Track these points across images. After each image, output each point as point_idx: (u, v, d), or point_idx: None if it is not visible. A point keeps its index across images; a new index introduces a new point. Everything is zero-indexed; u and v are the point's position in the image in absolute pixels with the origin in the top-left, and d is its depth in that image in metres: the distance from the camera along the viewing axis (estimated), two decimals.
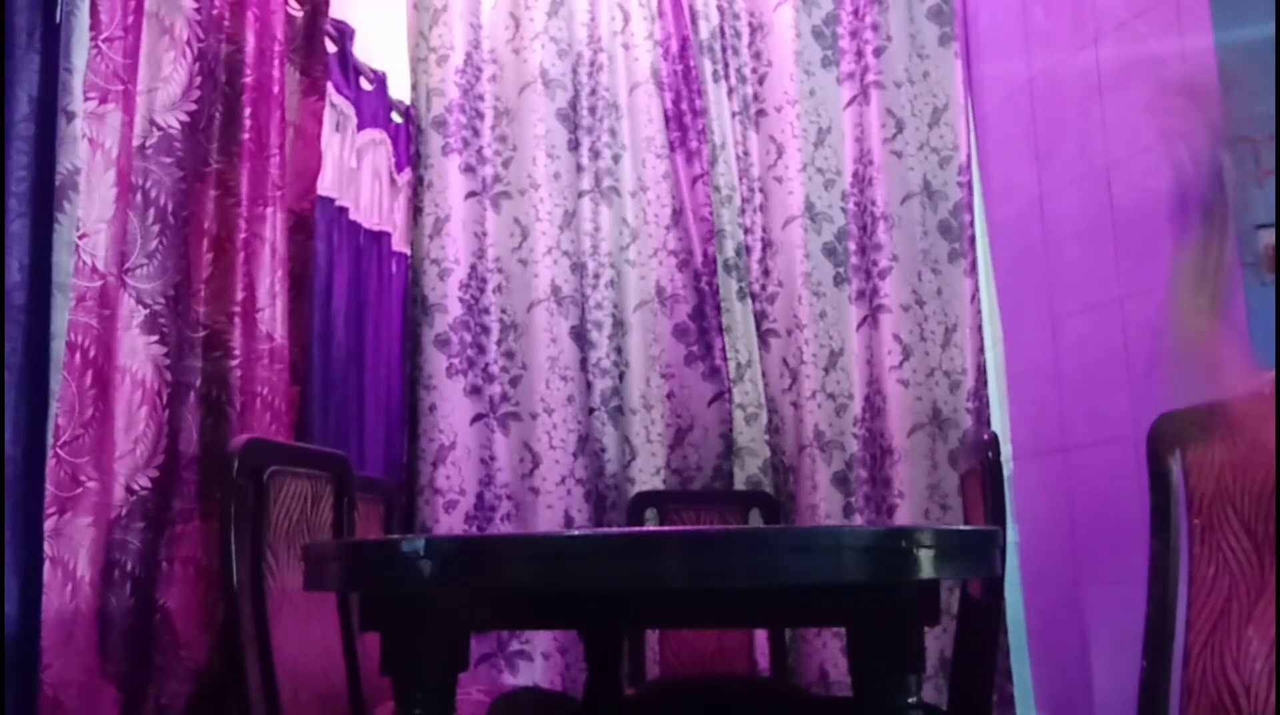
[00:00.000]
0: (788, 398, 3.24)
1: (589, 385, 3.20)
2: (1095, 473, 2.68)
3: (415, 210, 3.30)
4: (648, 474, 3.15)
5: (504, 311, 3.27)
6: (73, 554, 1.77)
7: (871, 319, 3.25)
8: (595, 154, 3.33)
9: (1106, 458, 2.61)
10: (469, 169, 3.33)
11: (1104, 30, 2.73)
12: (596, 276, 3.26)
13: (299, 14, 2.65)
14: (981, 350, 3.20)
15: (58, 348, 1.77)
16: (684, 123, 3.35)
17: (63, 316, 1.78)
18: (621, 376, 3.22)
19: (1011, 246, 3.14)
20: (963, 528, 1.86)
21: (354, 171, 2.93)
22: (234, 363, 2.19)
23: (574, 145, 3.36)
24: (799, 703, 2.75)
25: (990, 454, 1.94)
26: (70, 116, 1.81)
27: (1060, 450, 2.84)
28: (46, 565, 1.73)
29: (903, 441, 3.14)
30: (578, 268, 3.28)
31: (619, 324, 3.25)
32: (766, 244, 3.35)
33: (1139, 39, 2.62)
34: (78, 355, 1.81)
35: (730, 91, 3.38)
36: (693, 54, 3.38)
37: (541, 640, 3.06)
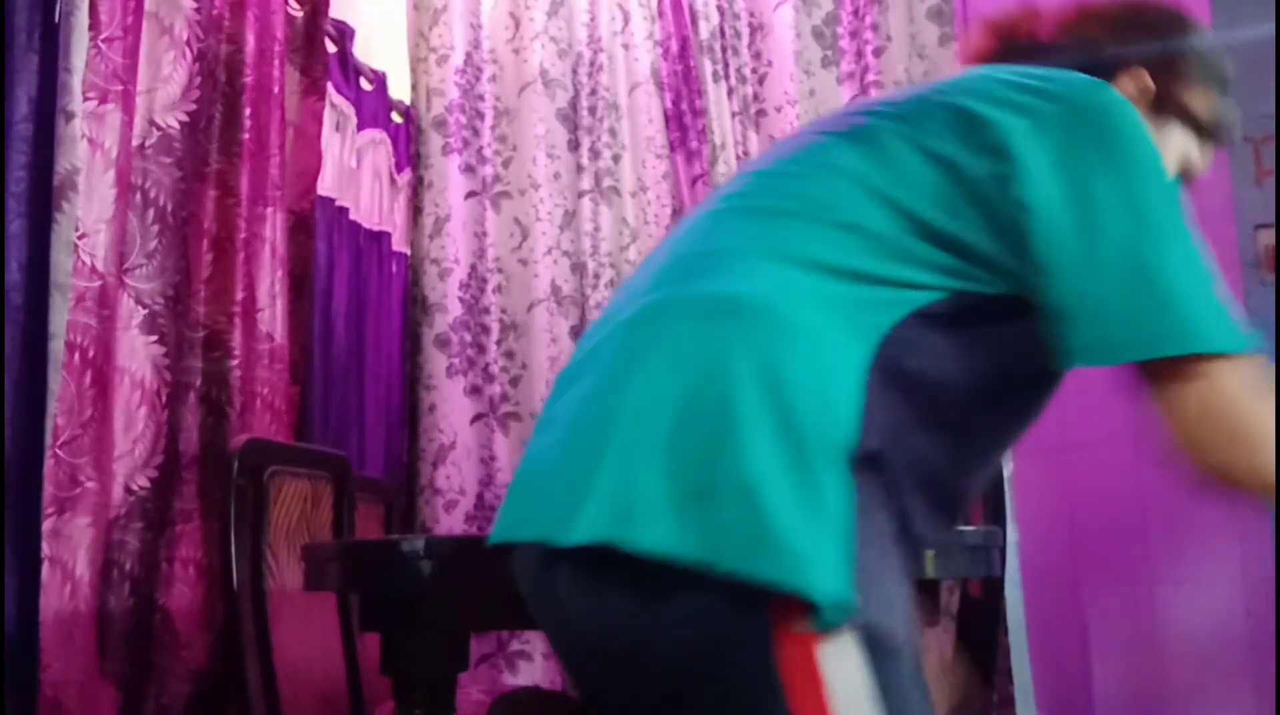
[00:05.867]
0: None
1: None
2: (1095, 473, 2.68)
3: (415, 210, 3.29)
4: None
5: (504, 311, 3.27)
6: (71, 554, 1.77)
7: None
8: (595, 154, 3.33)
9: (1106, 458, 2.61)
10: (469, 169, 3.33)
11: None
12: (596, 276, 3.26)
13: (299, 14, 2.65)
14: None
15: (56, 348, 1.77)
16: (684, 123, 3.34)
17: (61, 316, 1.78)
18: None
19: None
20: (963, 528, 1.86)
21: (354, 171, 2.93)
22: (234, 363, 2.19)
23: (574, 145, 3.35)
24: None
25: None
26: (69, 116, 1.81)
27: (1060, 450, 2.84)
28: (45, 565, 1.73)
29: None
30: (578, 268, 3.28)
31: None
32: None
33: None
34: (76, 355, 1.81)
35: (730, 91, 3.38)
36: (693, 54, 3.38)
37: (542, 640, 3.06)
